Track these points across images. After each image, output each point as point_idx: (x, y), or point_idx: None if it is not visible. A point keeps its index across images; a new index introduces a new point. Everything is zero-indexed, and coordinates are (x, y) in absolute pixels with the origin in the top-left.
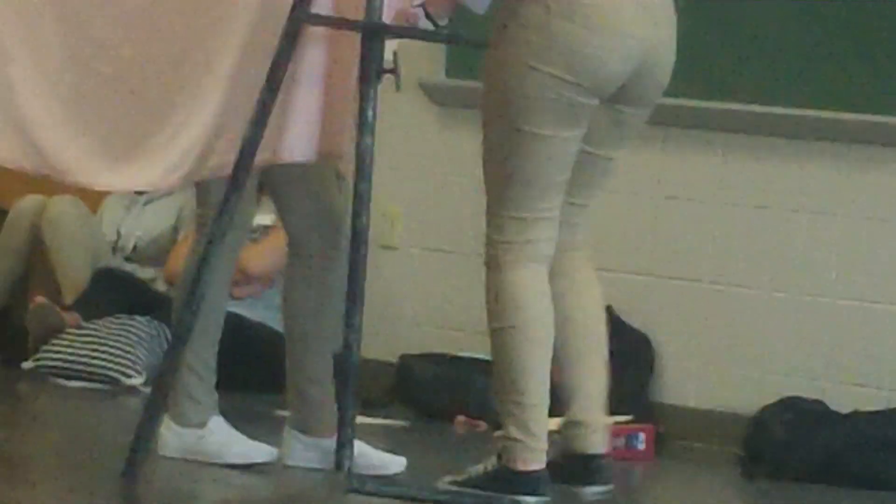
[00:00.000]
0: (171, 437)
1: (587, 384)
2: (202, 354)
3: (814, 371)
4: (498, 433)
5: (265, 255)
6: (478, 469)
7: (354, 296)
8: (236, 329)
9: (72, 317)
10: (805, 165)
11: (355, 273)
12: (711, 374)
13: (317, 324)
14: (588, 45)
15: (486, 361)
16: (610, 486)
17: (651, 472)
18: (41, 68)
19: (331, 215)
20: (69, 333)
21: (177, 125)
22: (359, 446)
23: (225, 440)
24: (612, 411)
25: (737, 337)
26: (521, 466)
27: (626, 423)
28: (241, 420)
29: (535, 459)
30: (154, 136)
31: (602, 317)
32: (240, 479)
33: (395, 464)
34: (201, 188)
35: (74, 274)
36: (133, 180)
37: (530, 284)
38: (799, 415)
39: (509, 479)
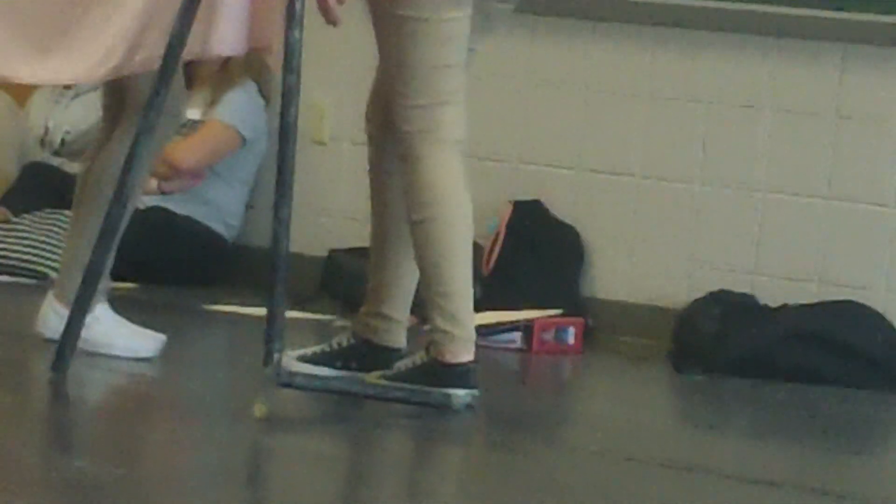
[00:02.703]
0: (54, 317)
1: (404, 282)
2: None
3: (743, 265)
4: (425, 327)
5: (194, 149)
6: (407, 363)
7: (283, 190)
8: (164, 223)
9: (2, 212)
10: (734, 59)
11: (284, 167)
12: (641, 268)
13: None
14: None
15: None
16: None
17: (580, 365)
18: None
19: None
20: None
21: (101, 17)
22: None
23: (110, 329)
24: (542, 305)
25: (666, 231)
26: (450, 358)
27: (556, 316)
28: (167, 314)
29: (463, 350)
30: (77, 28)
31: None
32: (164, 373)
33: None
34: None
35: (2, 168)
36: (58, 73)
37: (446, 173)
38: (728, 308)
39: (439, 372)
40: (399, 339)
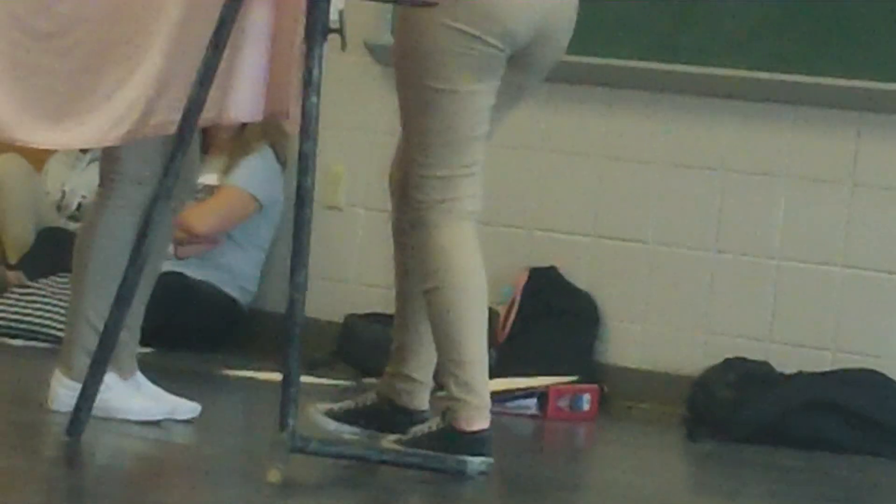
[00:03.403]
0: (63, 391)
1: (427, 344)
2: (101, 310)
3: (758, 332)
4: (441, 393)
5: (210, 214)
6: (422, 429)
7: (299, 255)
8: (180, 288)
9: (15, 276)
10: (749, 126)
11: (300, 232)
12: (656, 335)
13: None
14: (496, 3)
15: None
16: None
17: (595, 432)
18: None
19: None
20: (13, 292)
21: (114, 83)
22: (154, 389)
23: (124, 395)
24: (557, 372)
25: (681, 298)
26: (465, 426)
27: (571, 383)
28: (183, 379)
29: (478, 418)
30: (91, 93)
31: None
32: (179, 438)
33: (188, 409)
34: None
35: (18, 233)
36: (72, 138)
37: (458, 242)
38: (743, 376)
39: (454, 439)
40: (422, 402)
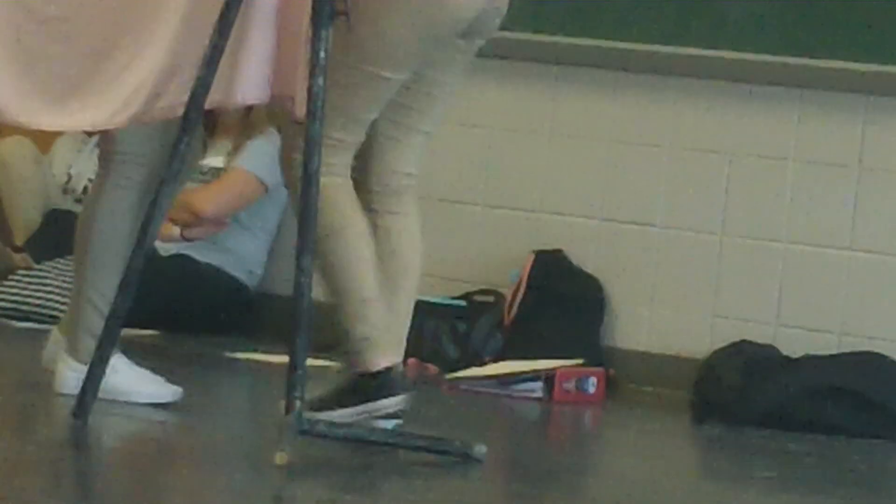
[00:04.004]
0: (69, 373)
1: (394, 324)
2: (102, 289)
3: (765, 315)
4: (346, 350)
5: (217, 196)
6: (330, 390)
7: (305, 238)
8: (186, 271)
9: (22, 258)
10: (757, 110)
11: (306, 216)
12: (663, 318)
13: None
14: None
15: (438, 305)
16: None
17: (601, 416)
18: None
19: None
20: (19, 275)
21: (121, 66)
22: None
23: (131, 378)
24: (564, 355)
25: (688, 281)
26: (373, 367)
27: (577, 366)
28: (189, 362)
29: (385, 353)
30: (97, 76)
31: (420, 264)
32: (185, 420)
33: (171, 392)
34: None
35: (25, 215)
36: (78, 120)
37: (336, 192)
38: (750, 359)
39: (364, 386)
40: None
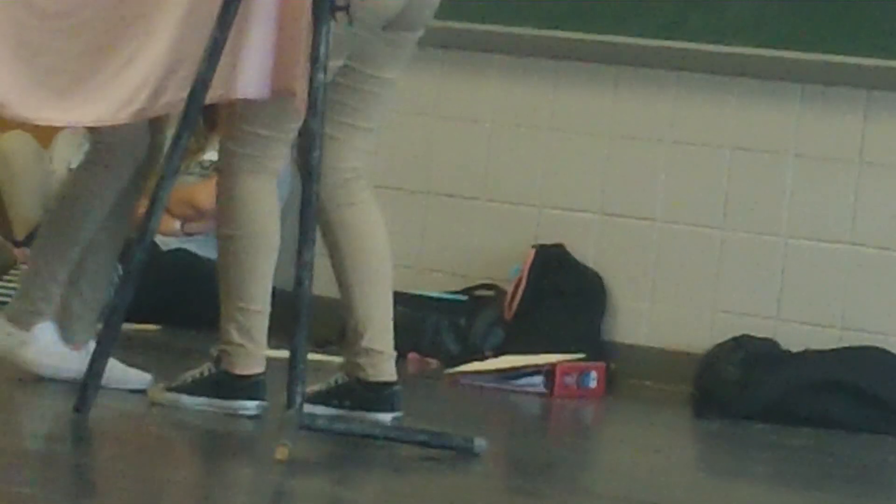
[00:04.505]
0: (7, 339)
1: (377, 313)
2: (51, 260)
3: (766, 310)
4: (219, 342)
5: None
6: (193, 374)
7: (306, 234)
8: (187, 266)
9: (23, 253)
10: (758, 104)
11: (307, 210)
12: (663, 313)
13: None
14: None
15: (438, 299)
16: (401, 413)
17: (602, 410)
18: None
19: None
20: (20, 270)
21: (123, 62)
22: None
23: (117, 366)
24: (565, 349)
25: (689, 275)
26: (241, 371)
27: (578, 360)
28: (189, 356)
29: (254, 364)
30: (99, 72)
31: (388, 245)
32: (185, 415)
33: (140, 380)
34: None
35: (26, 210)
36: (81, 116)
37: (262, 197)
38: (750, 354)
39: (229, 384)
40: (388, 372)
